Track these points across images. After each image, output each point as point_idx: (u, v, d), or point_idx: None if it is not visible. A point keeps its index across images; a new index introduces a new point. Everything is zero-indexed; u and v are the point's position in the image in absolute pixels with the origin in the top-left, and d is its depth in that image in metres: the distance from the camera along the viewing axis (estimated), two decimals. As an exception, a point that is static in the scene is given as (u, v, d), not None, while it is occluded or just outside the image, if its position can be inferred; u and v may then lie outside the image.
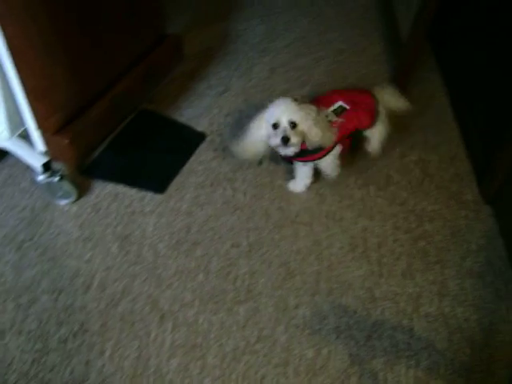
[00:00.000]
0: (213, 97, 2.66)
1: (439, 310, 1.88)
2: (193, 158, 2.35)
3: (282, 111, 1.92)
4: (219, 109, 2.59)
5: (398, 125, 2.53)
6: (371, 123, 2.14)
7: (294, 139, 1.90)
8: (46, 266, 1.94)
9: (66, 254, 1.98)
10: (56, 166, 2.07)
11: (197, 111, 2.57)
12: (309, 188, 2.24)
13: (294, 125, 1.91)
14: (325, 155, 2.07)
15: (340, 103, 2.09)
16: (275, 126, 1.93)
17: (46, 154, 1.98)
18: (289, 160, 2.13)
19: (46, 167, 2.02)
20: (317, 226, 2.12)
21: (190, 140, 2.44)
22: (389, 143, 2.42)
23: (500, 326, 1.85)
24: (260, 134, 1.99)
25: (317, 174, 2.22)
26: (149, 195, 2.19)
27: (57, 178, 2.05)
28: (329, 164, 2.14)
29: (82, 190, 2.19)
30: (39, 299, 1.85)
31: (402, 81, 2.69)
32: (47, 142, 1.92)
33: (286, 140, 1.89)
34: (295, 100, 1.96)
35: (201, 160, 2.34)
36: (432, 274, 1.99)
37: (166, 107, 2.58)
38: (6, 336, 1.74)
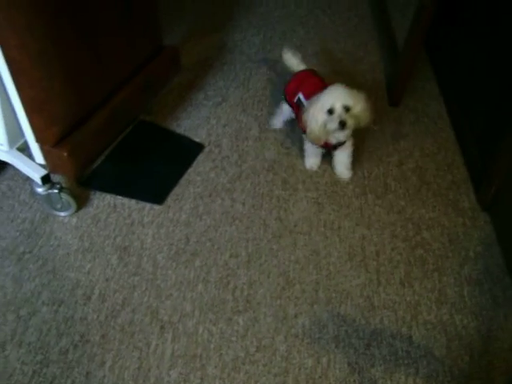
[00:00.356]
0: (210, 107, 2.68)
1: (438, 318, 1.89)
2: (191, 169, 2.36)
3: (336, 97, 2.07)
4: (217, 119, 2.61)
5: (395, 133, 2.56)
6: None
7: (350, 122, 2.06)
8: (46, 277, 1.95)
9: (66, 266, 1.99)
10: (55, 177, 2.08)
11: (195, 122, 2.59)
12: (307, 197, 2.25)
13: (347, 109, 2.06)
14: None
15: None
16: (330, 111, 2.07)
17: (45, 166, 1.99)
18: (329, 147, 2.29)
19: (46, 179, 2.02)
20: (315, 235, 2.12)
21: (188, 151, 2.44)
22: (386, 151, 2.44)
23: (498, 333, 1.86)
24: (316, 120, 2.09)
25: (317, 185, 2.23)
26: (148, 206, 2.20)
27: (56, 190, 2.05)
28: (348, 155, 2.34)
29: (81, 202, 2.19)
30: (39, 311, 1.85)
31: (398, 89, 2.71)
32: (46, 154, 1.93)
33: (343, 124, 2.04)
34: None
35: (199, 171, 2.35)
36: (430, 281, 2.00)
37: (164, 118, 2.60)
38: (7, 348, 1.75)
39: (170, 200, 2.23)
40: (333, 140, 2.20)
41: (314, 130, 2.11)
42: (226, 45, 3.13)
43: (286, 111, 2.47)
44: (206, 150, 2.45)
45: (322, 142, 2.20)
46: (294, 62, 2.49)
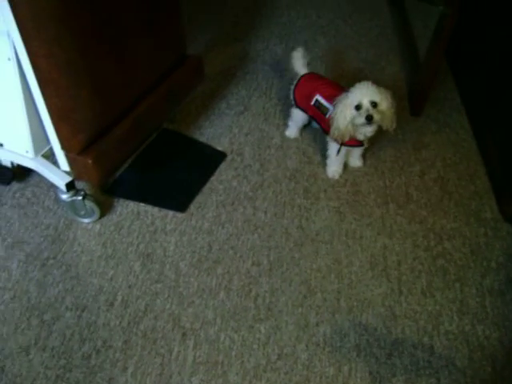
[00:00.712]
0: (233, 116, 2.69)
1: (459, 328, 1.89)
2: (213, 177, 2.37)
3: (364, 94, 2.11)
4: (239, 128, 2.62)
5: (417, 143, 2.56)
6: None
7: (377, 117, 2.10)
8: (70, 283, 1.97)
9: (89, 272, 2.01)
10: (79, 184, 2.11)
11: (217, 131, 2.60)
12: (329, 206, 2.26)
13: (374, 104, 2.11)
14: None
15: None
16: (358, 107, 2.11)
17: (69, 173, 2.02)
18: (355, 145, 2.32)
19: (70, 186, 2.05)
20: (337, 244, 2.13)
21: (211, 159, 2.46)
22: (408, 161, 2.45)
23: (521, 344, 1.86)
24: (344, 116, 2.14)
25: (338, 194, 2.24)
26: (170, 214, 2.22)
27: (80, 197, 2.07)
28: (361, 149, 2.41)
29: (104, 209, 2.22)
30: (63, 316, 1.87)
31: (420, 99, 2.71)
32: (71, 161, 1.95)
33: (370, 118, 2.08)
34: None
35: (221, 179, 2.37)
36: (452, 292, 1.99)
37: (187, 127, 2.62)
38: (31, 352, 1.77)
39: (192, 208, 2.24)
40: (360, 136, 2.23)
41: (341, 126, 2.15)
42: (248, 54, 3.15)
43: (298, 117, 2.50)
44: (229, 158, 2.47)
45: (347, 139, 2.21)
46: (300, 63, 2.52)
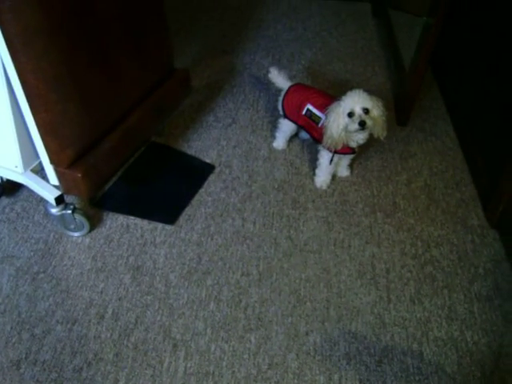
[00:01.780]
0: (220, 129, 2.71)
1: (448, 334, 1.90)
2: (202, 190, 2.39)
3: (355, 101, 2.14)
4: (227, 140, 2.64)
5: (404, 152, 2.58)
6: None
7: (370, 122, 2.13)
8: (60, 297, 1.97)
9: (80, 285, 2.01)
10: (68, 198, 2.12)
11: (205, 143, 2.62)
12: (317, 216, 2.28)
13: (366, 111, 2.14)
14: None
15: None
16: (350, 114, 2.14)
17: (58, 187, 2.02)
18: (347, 153, 2.34)
19: (59, 200, 2.05)
20: (325, 253, 2.14)
21: (199, 171, 2.48)
22: (395, 170, 2.47)
23: (510, 349, 1.87)
24: (337, 124, 2.16)
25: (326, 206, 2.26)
26: (160, 226, 2.23)
27: (69, 211, 2.08)
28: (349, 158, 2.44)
29: (94, 222, 2.23)
30: (54, 329, 1.87)
31: (405, 109, 2.74)
32: (60, 175, 1.96)
33: (363, 123, 2.11)
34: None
35: (210, 191, 2.38)
36: (440, 298, 2.01)
37: (175, 140, 2.63)
38: (22, 366, 1.77)
39: (181, 220, 2.25)
40: (353, 144, 2.25)
41: (334, 134, 2.17)
42: (235, 67, 3.17)
43: (286, 128, 2.52)
44: (217, 170, 2.49)
45: (340, 147, 2.23)
46: (281, 79, 2.55)
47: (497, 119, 2.36)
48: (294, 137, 2.61)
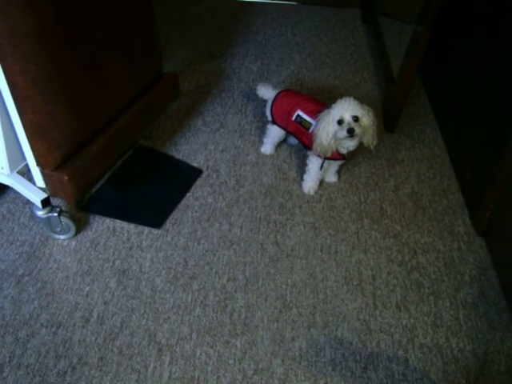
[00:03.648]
0: (208, 133, 2.71)
1: (434, 341, 1.90)
2: (189, 194, 2.38)
3: (345, 109, 2.15)
4: (215, 145, 2.64)
5: (391, 159, 2.59)
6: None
7: (358, 130, 2.14)
8: (45, 300, 1.96)
9: (65, 289, 2.00)
10: (55, 201, 2.10)
11: (193, 147, 2.62)
12: (304, 222, 2.28)
13: (356, 119, 2.14)
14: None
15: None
16: (340, 122, 2.15)
17: (45, 189, 2.01)
18: (336, 159, 2.35)
19: (45, 203, 2.04)
20: (312, 259, 2.14)
21: (187, 176, 2.47)
22: (382, 177, 2.47)
23: (494, 356, 1.87)
24: (327, 132, 2.17)
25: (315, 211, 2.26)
26: (146, 230, 2.22)
27: (56, 214, 2.07)
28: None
29: (80, 225, 2.21)
30: (38, 333, 1.86)
31: (394, 115, 2.75)
32: (47, 178, 1.95)
33: (351, 131, 2.12)
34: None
35: (197, 195, 2.38)
36: (426, 305, 2.01)
37: (163, 143, 2.63)
38: (5, 370, 1.75)
39: (168, 224, 2.25)
40: (343, 150, 2.26)
41: (324, 142, 2.17)
42: (224, 72, 3.17)
43: (275, 134, 2.52)
44: (204, 174, 2.48)
45: (329, 154, 2.23)
46: (267, 92, 2.54)
47: (484, 127, 2.37)
48: (282, 142, 2.61)
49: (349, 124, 2.12)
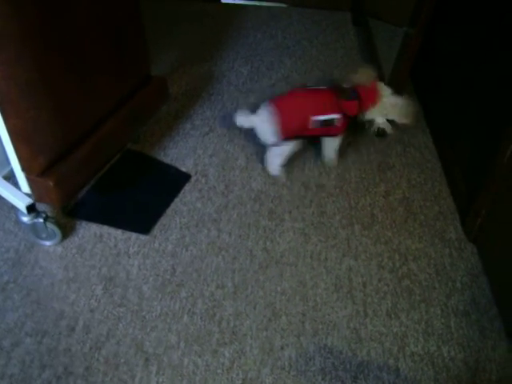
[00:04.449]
0: (197, 137, 2.68)
1: (425, 350, 1.88)
2: (177, 199, 2.35)
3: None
4: (204, 149, 2.61)
5: (382, 164, 2.57)
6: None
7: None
8: (30, 308, 1.93)
9: (50, 296, 1.97)
10: (41, 206, 2.07)
11: (182, 151, 2.59)
12: (294, 228, 2.25)
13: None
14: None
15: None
16: None
17: (30, 195, 1.98)
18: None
19: (31, 208, 2.01)
20: (302, 266, 2.12)
21: (175, 181, 2.44)
22: (373, 182, 2.45)
23: (486, 364, 1.85)
24: None
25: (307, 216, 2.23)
26: (134, 236, 2.19)
27: (41, 219, 2.03)
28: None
29: (66, 231, 2.18)
30: (22, 342, 1.82)
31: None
32: (32, 183, 1.92)
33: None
34: None
35: (185, 201, 2.35)
36: (417, 313, 1.99)
37: (152, 147, 2.59)
38: (-12, 380, 1.73)
39: (156, 230, 2.22)
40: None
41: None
42: (213, 75, 3.14)
43: (290, 149, 2.41)
44: (193, 179, 2.45)
45: None
46: (247, 118, 2.43)
47: (476, 132, 2.36)
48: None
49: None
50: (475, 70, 2.45)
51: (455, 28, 2.73)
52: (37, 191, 1.94)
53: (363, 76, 2.34)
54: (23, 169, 1.88)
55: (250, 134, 2.63)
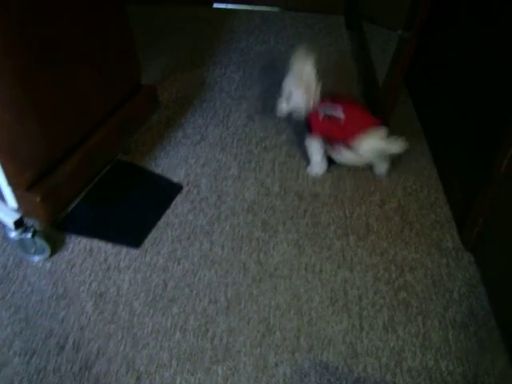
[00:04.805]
0: (189, 146, 2.64)
1: (422, 364, 1.84)
2: (169, 211, 2.31)
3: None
4: (196, 159, 2.56)
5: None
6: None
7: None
8: (19, 326, 1.88)
9: (39, 314, 1.92)
10: (29, 220, 2.03)
11: (173, 161, 2.54)
12: (287, 239, 2.21)
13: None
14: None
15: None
16: None
17: (18, 210, 1.94)
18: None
19: (19, 224, 1.96)
20: (296, 279, 2.08)
21: (166, 192, 2.40)
22: (368, 190, 2.41)
23: (485, 378, 1.82)
24: None
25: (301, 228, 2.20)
26: (124, 250, 2.14)
27: (29, 235, 1.99)
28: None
29: (56, 246, 2.14)
30: (11, 362, 1.78)
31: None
32: (19, 198, 1.87)
33: None
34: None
35: (177, 212, 2.30)
36: (414, 326, 1.95)
37: (142, 157, 2.55)
38: (-25, 403, 1.69)
39: (147, 243, 2.17)
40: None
41: None
42: (205, 81, 3.10)
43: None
44: (185, 190, 2.41)
45: None
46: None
47: (472, 138, 2.32)
48: (264, 155, 2.55)
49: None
50: (472, 75, 2.41)
51: (452, 30, 2.70)
52: (24, 206, 1.90)
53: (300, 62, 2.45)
54: (9, 184, 1.83)
55: (244, 142, 2.61)
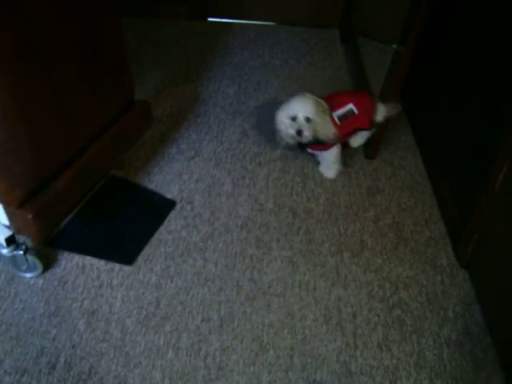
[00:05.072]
0: (183, 162, 2.62)
1: (417, 383, 1.83)
2: (162, 227, 2.29)
3: (300, 107, 2.37)
4: (189, 174, 2.55)
5: (372, 187, 2.52)
6: (370, 126, 2.53)
7: (307, 132, 2.36)
8: (9, 344, 1.86)
9: (31, 332, 1.90)
10: (21, 237, 2.01)
11: (167, 177, 2.53)
12: (281, 257, 2.20)
13: (308, 119, 2.35)
14: (326, 149, 2.53)
15: (351, 106, 2.48)
16: (293, 118, 2.38)
17: (9, 227, 1.92)
18: (302, 147, 2.57)
19: (10, 241, 1.95)
20: (290, 296, 2.06)
21: (160, 208, 2.39)
22: (362, 207, 2.41)
23: (479, 398, 1.81)
24: (285, 125, 2.43)
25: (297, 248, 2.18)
26: (117, 267, 2.13)
27: (21, 251, 1.98)
28: (327, 160, 2.58)
29: (48, 262, 2.12)
30: (1, 380, 1.76)
31: (374, 141, 2.68)
32: (10, 215, 1.85)
33: (299, 132, 2.35)
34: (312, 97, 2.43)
35: (170, 229, 2.29)
36: (409, 344, 1.94)
37: (136, 173, 2.54)
38: (-35, 424, 1.66)
39: (140, 260, 2.16)
40: (303, 140, 2.42)
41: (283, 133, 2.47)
42: (200, 96, 3.09)
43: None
44: (178, 206, 2.39)
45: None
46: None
47: (467, 153, 2.32)
48: (259, 170, 2.54)
49: (299, 125, 2.35)
50: (466, 89, 2.41)
51: (447, 46, 2.70)
52: (15, 224, 1.88)
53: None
54: (1, 201, 1.82)
55: (238, 158, 2.60)
